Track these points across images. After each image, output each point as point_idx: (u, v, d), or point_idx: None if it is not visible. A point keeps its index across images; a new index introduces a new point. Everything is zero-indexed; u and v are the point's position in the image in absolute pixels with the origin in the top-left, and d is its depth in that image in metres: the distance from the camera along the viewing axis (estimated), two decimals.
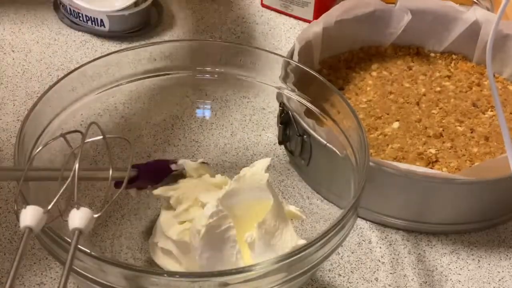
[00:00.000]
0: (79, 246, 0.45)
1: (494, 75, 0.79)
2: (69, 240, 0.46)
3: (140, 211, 0.64)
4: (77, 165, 0.48)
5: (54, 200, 0.47)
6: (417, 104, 0.74)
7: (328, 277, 0.60)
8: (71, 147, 0.51)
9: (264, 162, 0.60)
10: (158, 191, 0.60)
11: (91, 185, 0.61)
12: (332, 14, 0.77)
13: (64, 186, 0.48)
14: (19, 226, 0.44)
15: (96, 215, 0.47)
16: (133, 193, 0.61)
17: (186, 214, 0.58)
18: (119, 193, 0.51)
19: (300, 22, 0.92)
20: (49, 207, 0.46)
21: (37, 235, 0.48)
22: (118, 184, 0.55)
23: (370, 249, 0.63)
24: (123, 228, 0.63)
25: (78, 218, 0.46)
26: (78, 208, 0.46)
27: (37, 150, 0.53)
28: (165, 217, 0.60)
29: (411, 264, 0.62)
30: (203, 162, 0.62)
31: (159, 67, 0.67)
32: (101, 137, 0.51)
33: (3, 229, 0.62)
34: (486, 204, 0.64)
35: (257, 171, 0.59)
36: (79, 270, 0.48)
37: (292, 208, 0.60)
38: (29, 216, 0.44)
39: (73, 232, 0.45)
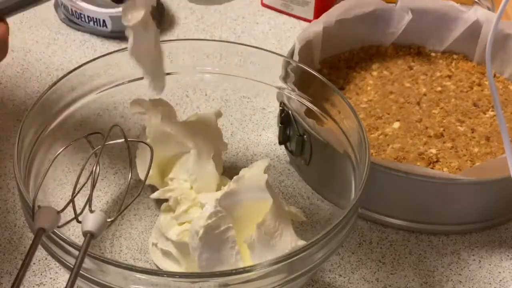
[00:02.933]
0: (75, 244, 0.45)
1: (495, 75, 0.79)
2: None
3: (139, 211, 0.64)
4: (94, 168, 0.48)
5: (69, 201, 0.46)
6: (418, 104, 0.74)
7: (329, 277, 0.60)
8: (92, 148, 0.51)
9: (263, 163, 0.60)
10: (156, 194, 0.60)
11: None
12: (333, 14, 0.77)
13: (80, 188, 0.47)
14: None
15: (109, 220, 0.47)
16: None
17: (185, 215, 0.58)
18: (134, 200, 0.51)
19: (301, 21, 0.92)
20: (64, 208, 0.45)
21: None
22: None
23: (371, 250, 0.63)
24: (123, 228, 0.62)
25: (91, 221, 0.45)
26: (92, 211, 0.46)
27: (60, 151, 0.52)
28: (164, 218, 0.60)
29: (411, 265, 0.62)
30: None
31: None
32: (121, 140, 0.51)
33: (2, 229, 0.61)
34: (487, 204, 0.64)
35: (256, 172, 0.59)
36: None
37: (292, 209, 0.60)
38: (43, 216, 0.44)
39: (85, 234, 0.45)
